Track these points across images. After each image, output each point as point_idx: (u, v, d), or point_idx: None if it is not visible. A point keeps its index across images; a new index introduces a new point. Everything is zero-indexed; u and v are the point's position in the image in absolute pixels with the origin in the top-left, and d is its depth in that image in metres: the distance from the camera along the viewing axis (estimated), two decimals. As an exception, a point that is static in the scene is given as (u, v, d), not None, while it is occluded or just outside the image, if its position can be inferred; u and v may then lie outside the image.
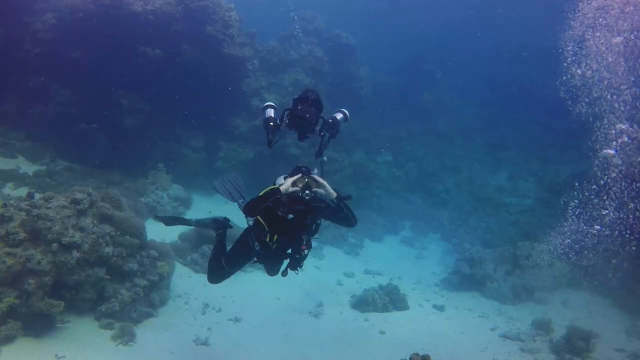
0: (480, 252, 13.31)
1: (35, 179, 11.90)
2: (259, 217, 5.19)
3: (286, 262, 5.49)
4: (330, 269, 13.10)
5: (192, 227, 11.89)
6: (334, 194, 4.98)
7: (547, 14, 26.90)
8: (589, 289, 12.51)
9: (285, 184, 4.84)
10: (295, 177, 4.87)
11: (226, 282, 10.62)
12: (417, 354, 4.46)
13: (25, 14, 14.63)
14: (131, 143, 14.39)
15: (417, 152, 22.78)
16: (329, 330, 9.34)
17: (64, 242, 7.43)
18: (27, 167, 12.80)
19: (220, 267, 5.81)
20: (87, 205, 8.01)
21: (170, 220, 6.96)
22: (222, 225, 6.34)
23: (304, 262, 5.48)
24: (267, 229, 5.17)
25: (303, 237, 5.21)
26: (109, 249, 7.99)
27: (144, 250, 8.81)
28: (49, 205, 7.77)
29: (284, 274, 5.66)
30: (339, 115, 5.86)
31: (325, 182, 4.92)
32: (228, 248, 5.96)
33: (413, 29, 30.08)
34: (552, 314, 10.83)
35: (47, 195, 8.02)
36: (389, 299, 10.80)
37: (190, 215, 13.70)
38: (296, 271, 5.54)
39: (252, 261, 5.63)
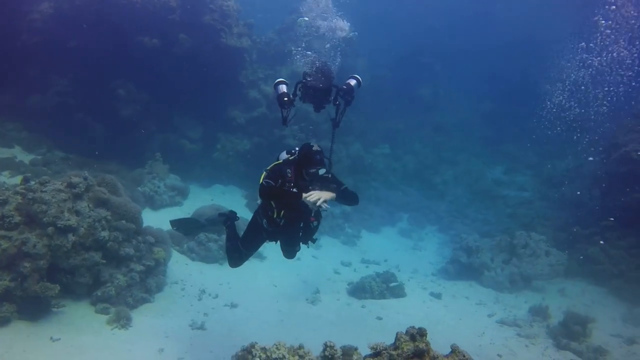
0: (477, 240, 13.32)
1: (31, 167, 11.85)
2: None
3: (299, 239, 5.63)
4: (327, 258, 13.10)
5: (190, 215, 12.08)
6: (334, 196, 5.01)
7: (545, 7, 27.12)
8: (585, 278, 12.53)
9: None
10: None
11: (223, 270, 10.75)
12: (413, 327, 4.44)
13: (22, 3, 14.57)
14: (128, 133, 14.34)
15: (414, 145, 22.80)
16: (325, 316, 9.35)
17: (59, 225, 7.41)
18: (24, 157, 12.77)
19: (237, 251, 6.00)
20: (83, 189, 7.99)
21: (185, 228, 7.25)
22: (229, 218, 6.57)
23: (315, 234, 5.59)
24: (273, 205, 5.25)
25: (311, 210, 5.25)
26: (104, 233, 7.98)
27: (140, 236, 8.80)
28: (44, 189, 7.74)
29: (294, 255, 5.82)
30: (353, 82, 5.76)
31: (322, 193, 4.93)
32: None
33: (412, 21, 30.01)
34: (549, 301, 10.82)
35: (43, 180, 7.99)
36: (385, 286, 10.81)
37: (188, 204, 13.71)
38: (308, 245, 5.69)
39: (266, 241, 5.77)
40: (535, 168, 22.60)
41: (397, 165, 21.02)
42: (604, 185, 14.27)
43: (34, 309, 7.10)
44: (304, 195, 4.86)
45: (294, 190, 4.99)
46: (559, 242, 13.58)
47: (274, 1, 25.86)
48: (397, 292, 10.93)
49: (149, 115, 14.65)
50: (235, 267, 6.20)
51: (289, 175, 5.10)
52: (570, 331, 9.03)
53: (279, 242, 5.80)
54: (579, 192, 16.07)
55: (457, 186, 20.78)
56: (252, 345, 4.91)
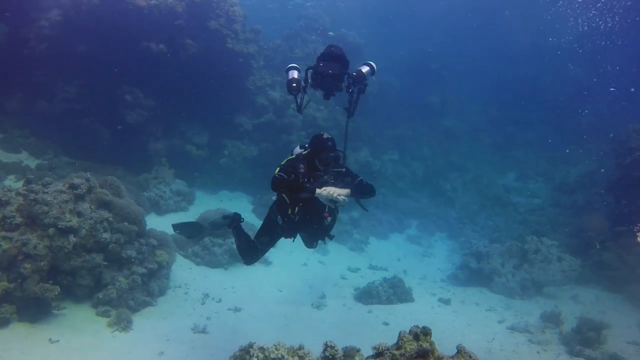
0: (487, 246, 13.04)
1: (37, 171, 11.84)
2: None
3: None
4: (334, 264, 12.93)
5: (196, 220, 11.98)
6: (348, 192, 4.87)
7: (553, 13, 26.93)
8: (599, 284, 12.19)
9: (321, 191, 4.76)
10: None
11: (227, 275, 10.62)
12: (416, 326, 4.24)
13: (32, 11, 14.70)
14: (134, 139, 14.32)
15: (423, 151, 22.58)
16: (331, 321, 9.15)
17: (60, 226, 7.33)
18: (30, 162, 12.78)
19: (251, 247, 5.90)
20: (85, 190, 7.92)
21: (188, 230, 7.14)
22: (233, 220, 6.45)
23: (331, 230, 5.48)
24: (288, 201, 5.17)
25: (325, 205, 5.12)
26: (106, 235, 7.88)
27: (143, 238, 8.70)
28: (46, 190, 7.69)
29: (314, 245, 5.70)
30: (365, 68, 5.54)
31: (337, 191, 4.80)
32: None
33: (419, 28, 29.94)
34: (562, 308, 10.51)
35: (45, 181, 7.94)
36: (393, 292, 10.58)
37: (194, 210, 13.62)
38: (324, 241, 5.61)
39: (282, 237, 5.69)
40: (547, 175, 22.31)
41: (405, 172, 20.80)
42: (617, 190, 13.96)
43: (34, 310, 7.00)
44: (318, 190, 4.72)
45: (307, 185, 4.85)
46: (571, 248, 13.27)
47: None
48: (405, 297, 10.70)
49: (155, 120, 14.62)
50: (250, 264, 6.11)
51: (302, 169, 4.97)
52: (584, 337, 8.72)
53: (294, 237, 5.73)
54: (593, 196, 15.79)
55: (466, 193, 20.53)
56: (250, 345, 4.75)
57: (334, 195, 4.68)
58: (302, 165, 4.98)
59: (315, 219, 5.22)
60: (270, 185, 4.89)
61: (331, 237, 5.52)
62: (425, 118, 24.59)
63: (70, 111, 13.98)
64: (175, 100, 14.96)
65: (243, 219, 6.59)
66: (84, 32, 13.73)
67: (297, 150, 5.47)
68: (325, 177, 4.91)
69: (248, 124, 16.58)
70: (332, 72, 5.28)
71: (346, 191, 4.81)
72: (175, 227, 7.27)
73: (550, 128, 25.15)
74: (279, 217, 5.37)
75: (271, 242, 5.79)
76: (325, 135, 5.02)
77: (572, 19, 24.93)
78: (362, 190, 5.05)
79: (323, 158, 4.93)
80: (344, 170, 5.07)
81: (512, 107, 26.32)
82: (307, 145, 5.34)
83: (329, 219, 5.26)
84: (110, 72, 13.80)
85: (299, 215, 5.17)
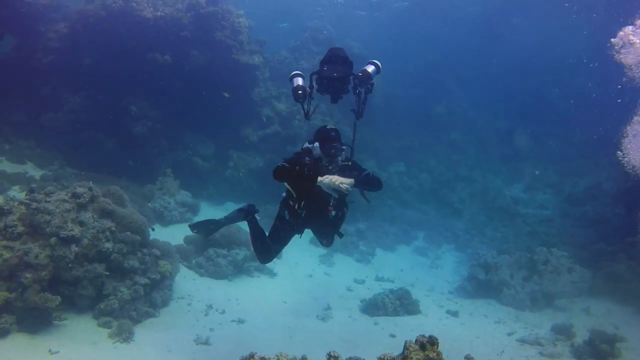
0: (495, 257, 12.80)
1: (41, 182, 11.83)
2: (287, 185, 5.20)
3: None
4: (340, 275, 12.75)
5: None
6: (352, 181, 4.79)
7: (561, 25, 26.87)
8: (611, 297, 11.90)
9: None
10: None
11: (231, 286, 10.49)
12: (423, 335, 4.10)
13: (39, 24, 14.85)
14: (140, 150, 14.33)
15: (430, 162, 22.40)
16: (337, 332, 8.96)
17: (62, 235, 7.26)
18: (36, 173, 12.79)
19: (265, 245, 5.84)
20: (87, 200, 7.86)
21: (205, 228, 6.96)
22: (248, 212, 6.30)
23: (340, 227, 5.41)
24: (294, 194, 5.15)
25: (330, 198, 5.08)
26: (108, 245, 7.79)
27: (146, 248, 8.59)
28: (48, 199, 7.64)
29: (327, 243, 5.63)
30: (370, 67, 5.43)
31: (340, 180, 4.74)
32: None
33: (425, 39, 29.98)
34: (574, 320, 10.25)
35: (48, 190, 7.90)
36: (399, 303, 10.38)
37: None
38: (331, 239, 5.55)
39: (292, 234, 5.62)
40: (555, 186, 22.05)
41: (412, 183, 20.64)
42: (628, 200, 13.72)
43: (35, 321, 6.89)
44: (320, 178, 4.66)
45: (309, 172, 4.76)
46: (581, 260, 12.99)
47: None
48: (412, 309, 10.49)
49: (160, 131, 14.63)
50: (266, 262, 6.12)
51: (307, 161, 4.88)
52: (597, 350, 8.47)
53: (304, 233, 5.71)
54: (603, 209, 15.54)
55: (474, 204, 20.29)
56: (252, 356, 4.60)
57: (336, 182, 4.63)
58: (307, 158, 4.91)
59: (320, 213, 5.17)
60: (272, 174, 4.85)
61: (341, 235, 5.46)
62: (432, 129, 24.46)
63: (75, 122, 14.05)
64: (181, 112, 14.99)
65: (258, 209, 6.46)
66: (90, 43, 13.85)
67: (306, 145, 5.42)
68: (330, 168, 4.87)
69: (254, 136, 16.56)
70: (337, 74, 5.20)
71: (349, 180, 4.75)
72: (192, 226, 7.10)
73: (557, 139, 24.97)
74: (286, 212, 5.35)
75: (283, 240, 5.74)
76: (330, 126, 5.00)
77: (584, 31, 24.81)
78: (367, 182, 4.97)
79: (327, 148, 4.87)
80: (350, 164, 5.01)
81: (520, 118, 26.15)
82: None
83: (333, 212, 5.20)
84: (116, 83, 13.87)
85: (305, 209, 5.14)
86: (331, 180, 4.64)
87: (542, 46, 28.51)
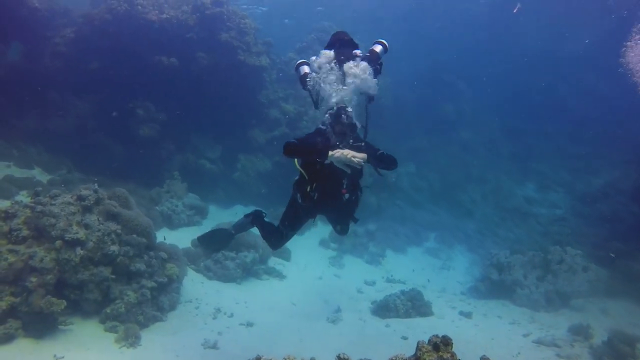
0: (508, 257, 12.54)
1: (49, 186, 11.77)
2: (299, 167, 5.08)
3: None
4: (350, 277, 12.57)
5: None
6: (364, 156, 4.61)
7: (570, 21, 26.53)
8: (629, 297, 11.59)
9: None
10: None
11: (240, 289, 10.34)
12: (436, 335, 3.91)
13: (46, 30, 14.88)
14: (147, 153, 14.26)
15: (440, 163, 22.15)
16: (347, 335, 8.78)
17: (67, 238, 7.16)
18: (43, 178, 12.75)
19: (275, 232, 5.77)
20: (92, 202, 7.76)
21: (214, 240, 6.84)
22: (255, 216, 6.26)
23: (354, 212, 5.32)
24: (306, 176, 5.04)
25: (343, 180, 4.96)
26: (114, 248, 7.67)
27: (153, 251, 8.46)
28: (54, 202, 7.55)
29: (342, 230, 5.55)
30: (378, 47, 5.25)
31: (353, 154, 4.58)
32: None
33: (434, 39, 29.74)
34: (591, 321, 9.97)
35: (53, 193, 7.81)
36: (411, 305, 10.18)
37: (207, 224, 13.40)
38: (346, 227, 5.47)
39: (304, 219, 5.55)
40: (568, 185, 21.70)
41: (422, 184, 20.42)
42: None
43: (40, 326, 6.77)
44: (331, 152, 4.51)
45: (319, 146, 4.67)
46: (596, 259, 12.70)
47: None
48: (424, 310, 10.29)
49: (167, 134, 14.57)
50: (277, 248, 6.08)
51: (319, 142, 4.79)
52: (616, 351, 8.21)
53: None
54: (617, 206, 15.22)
55: (486, 204, 19.99)
56: (259, 358, 4.44)
57: (348, 156, 4.46)
58: (319, 139, 4.81)
59: (334, 196, 5.05)
60: (282, 150, 4.70)
61: (355, 220, 5.34)
62: (441, 129, 24.22)
63: (83, 127, 14.02)
64: (188, 114, 14.91)
65: (265, 213, 6.35)
66: (97, 48, 13.84)
67: (319, 127, 5.28)
68: (341, 147, 4.70)
69: (261, 138, 16.45)
70: (344, 57, 5.02)
71: (362, 155, 4.56)
72: (200, 240, 6.97)
73: (569, 138, 24.62)
74: (299, 195, 5.22)
75: (296, 225, 5.63)
76: (341, 105, 4.84)
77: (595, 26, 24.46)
78: (382, 159, 4.82)
79: (338, 128, 4.74)
80: (363, 144, 4.85)
81: (530, 117, 25.83)
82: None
83: (347, 195, 5.06)
84: (123, 86, 13.83)
85: (317, 192, 5.02)
86: (342, 153, 4.48)
87: (551, 43, 28.19)
